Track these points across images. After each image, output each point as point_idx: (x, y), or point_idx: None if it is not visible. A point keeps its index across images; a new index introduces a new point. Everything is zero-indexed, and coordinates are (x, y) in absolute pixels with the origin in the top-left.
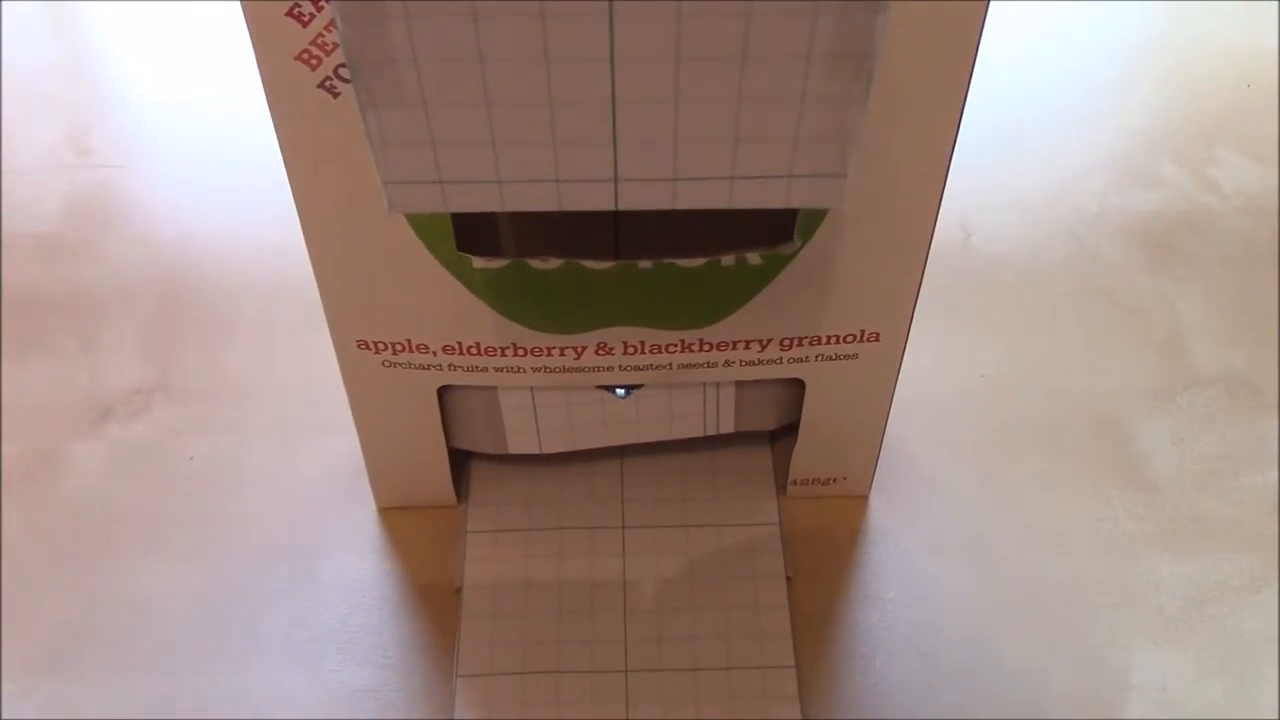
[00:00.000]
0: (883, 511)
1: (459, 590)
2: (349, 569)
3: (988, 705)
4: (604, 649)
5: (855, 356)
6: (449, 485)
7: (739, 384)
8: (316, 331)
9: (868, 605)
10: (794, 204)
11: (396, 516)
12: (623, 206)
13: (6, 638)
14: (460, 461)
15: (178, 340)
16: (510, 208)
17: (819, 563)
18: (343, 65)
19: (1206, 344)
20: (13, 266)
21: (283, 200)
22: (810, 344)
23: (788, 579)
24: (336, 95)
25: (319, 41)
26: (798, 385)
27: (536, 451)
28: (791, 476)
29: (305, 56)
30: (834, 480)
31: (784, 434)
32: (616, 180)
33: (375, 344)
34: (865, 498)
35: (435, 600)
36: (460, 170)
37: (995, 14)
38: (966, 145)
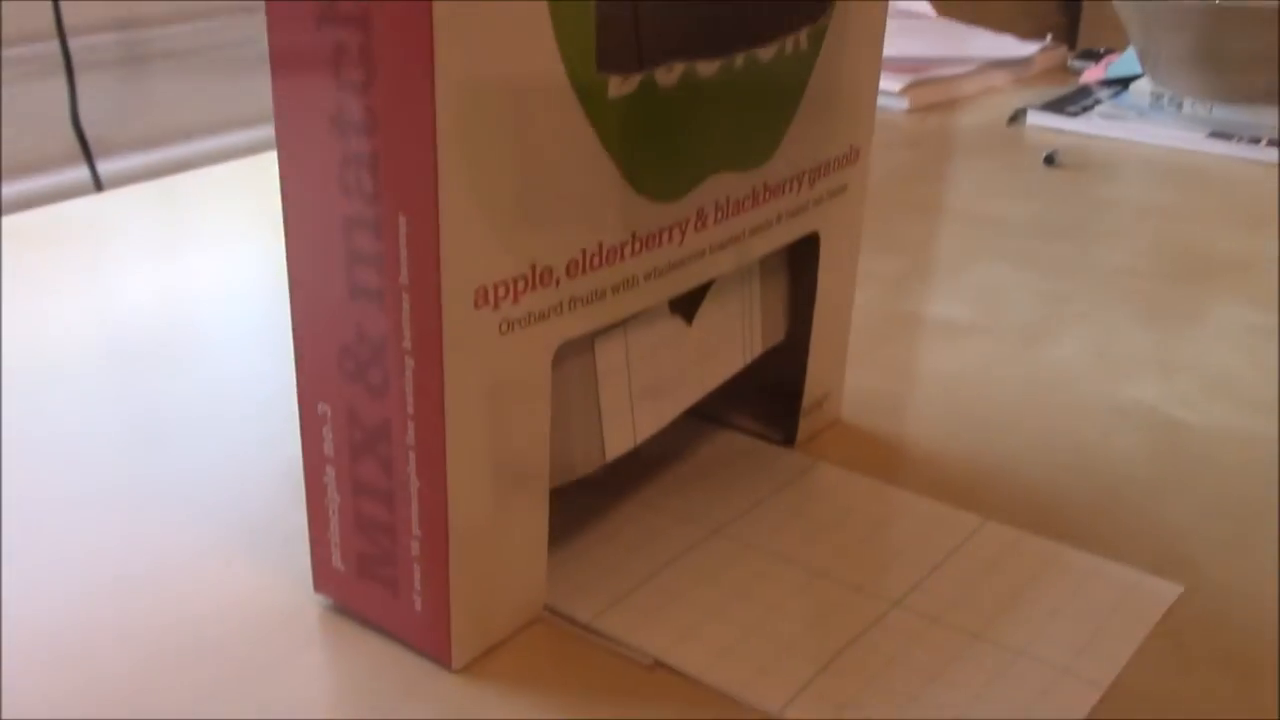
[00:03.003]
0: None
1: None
2: None
3: None
4: None
5: (844, 189)
6: (542, 567)
7: (763, 284)
8: None
9: None
10: None
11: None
12: None
13: None
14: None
15: None
16: None
17: None
18: None
19: None
20: None
21: None
22: (824, 172)
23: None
24: None
25: None
26: (798, 284)
27: (631, 445)
28: (806, 400)
29: None
30: (826, 399)
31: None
32: None
33: (495, 290)
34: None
35: None
36: None
37: None
38: None
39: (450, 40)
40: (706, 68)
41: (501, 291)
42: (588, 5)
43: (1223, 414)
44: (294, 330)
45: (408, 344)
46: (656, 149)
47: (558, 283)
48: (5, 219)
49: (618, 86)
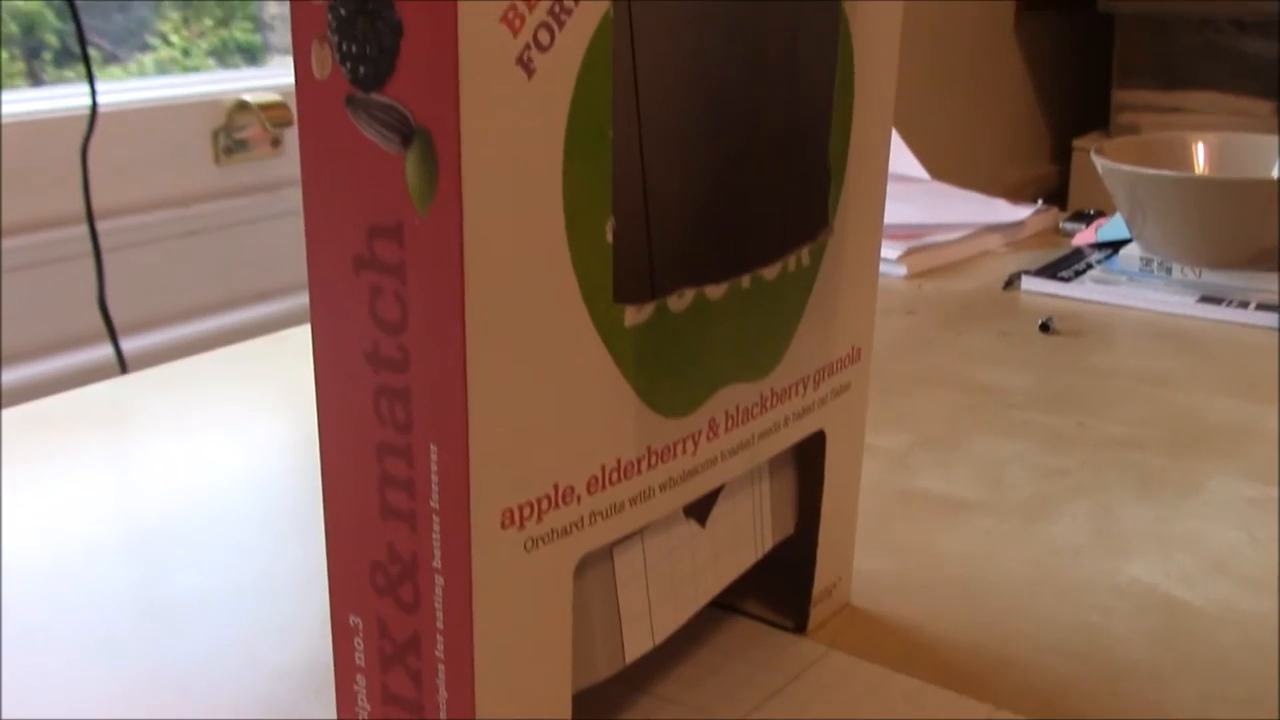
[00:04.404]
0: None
1: None
2: None
3: None
4: None
5: (848, 387)
6: None
7: (771, 482)
8: None
9: None
10: None
11: None
12: None
13: None
14: None
15: None
16: None
17: None
18: None
19: None
20: None
21: None
22: (828, 373)
23: None
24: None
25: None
26: (805, 479)
27: (650, 646)
28: (816, 589)
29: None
30: (835, 586)
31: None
32: None
33: (520, 511)
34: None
35: None
36: None
37: None
38: None
39: (480, 282)
40: (715, 290)
41: (526, 512)
42: (605, 241)
43: (1223, 593)
44: (328, 544)
45: (438, 563)
46: (670, 369)
47: (579, 500)
48: (30, 405)
49: (633, 316)
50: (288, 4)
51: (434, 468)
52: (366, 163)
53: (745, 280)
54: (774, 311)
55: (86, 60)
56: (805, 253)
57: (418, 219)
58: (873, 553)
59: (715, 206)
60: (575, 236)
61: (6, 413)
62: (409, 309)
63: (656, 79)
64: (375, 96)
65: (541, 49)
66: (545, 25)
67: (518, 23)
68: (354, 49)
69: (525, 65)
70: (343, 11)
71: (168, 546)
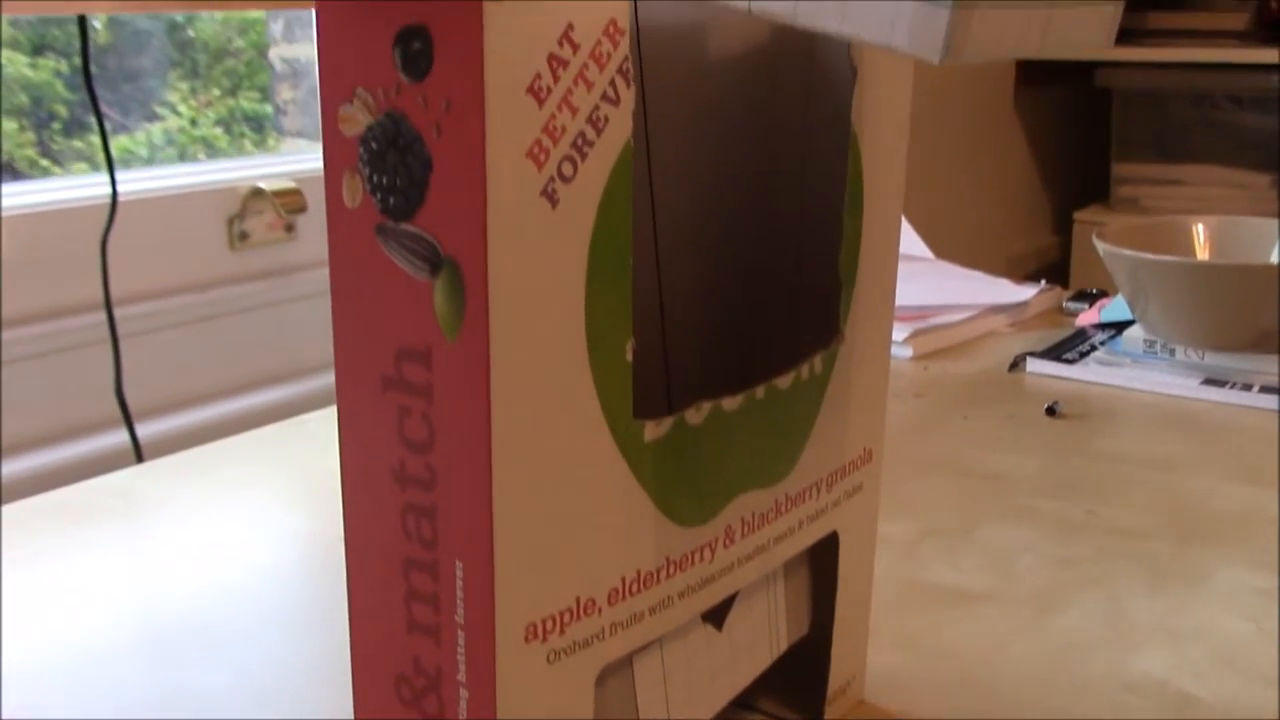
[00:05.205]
0: None
1: None
2: None
3: None
4: None
5: (860, 488)
6: None
7: (786, 584)
8: None
9: None
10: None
11: None
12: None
13: None
14: None
15: None
16: None
17: None
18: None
19: None
20: None
21: None
22: (840, 476)
23: None
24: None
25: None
26: (819, 579)
27: None
28: (831, 687)
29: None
30: (849, 684)
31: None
32: None
33: (544, 624)
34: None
35: None
36: None
37: None
38: None
39: (505, 404)
40: (731, 402)
41: (550, 625)
42: (625, 360)
43: (1233, 688)
44: (352, 655)
45: (462, 676)
46: (688, 480)
47: (600, 611)
48: (45, 496)
49: (652, 431)
50: (300, 88)
51: (459, 583)
52: (396, 289)
53: (760, 390)
54: (788, 419)
55: (108, 153)
56: (817, 360)
57: (446, 344)
58: (885, 646)
59: (730, 321)
60: (597, 357)
61: (21, 504)
62: (436, 429)
63: (674, 203)
64: (405, 226)
65: (565, 180)
66: (569, 158)
67: (542, 157)
68: (385, 181)
69: (550, 196)
70: (374, 145)
71: (184, 644)
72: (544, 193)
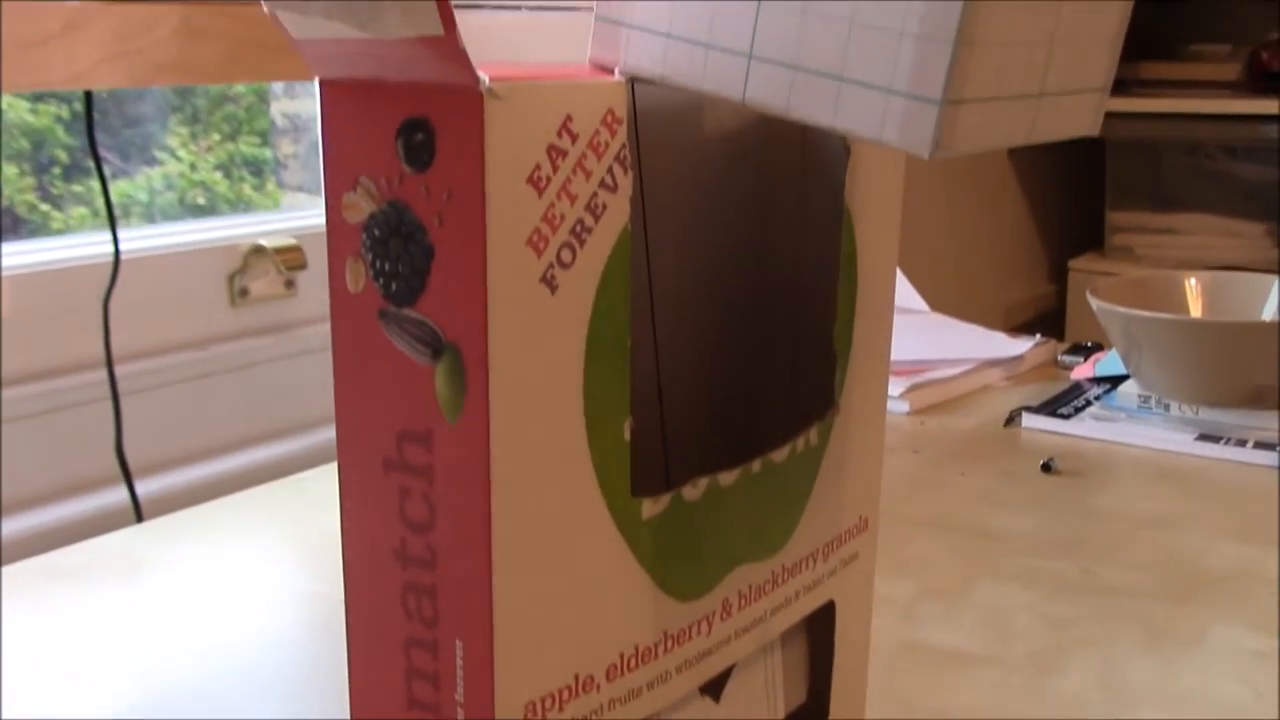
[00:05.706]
0: None
1: None
2: None
3: None
4: None
5: (856, 556)
6: None
7: (783, 653)
8: None
9: None
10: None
11: None
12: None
13: None
14: None
15: None
16: None
17: None
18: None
19: None
20: None
21: None
22: (836, 545)
23: None
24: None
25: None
26: (816, 648)
27: None
28: None
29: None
30: None
31: None
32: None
33: (542, 702)
34: None
35: None
36: None
37: None
38: None
39: (505, 485)
40: (727, 477)
41: (549, 703)
42: (623, 439)
43: None
44: None
45: None
46: (685, 555)
47: (598, 688)
48: (45, 557)
49: (650, 508)
50: (301, 142)
51: (459, 662)
52: (398, 372)
53: (756, 464)
54: (784, 491)
55: (110, 210)
56: (813, 432)
57: (447, 427)
58: (883, 709)
59: (727, 397)
60: (595, 437)
61: (20, 565)
62: (437, 510)
63: (671, 282)
64: (407, 312)
65: (564, 267)
66: (568, 245)
67: (542, 245)
68: (388, 267)
69: (549, 283)
70: (377, 233)
71: (184, 711)
72: (543, 279)
